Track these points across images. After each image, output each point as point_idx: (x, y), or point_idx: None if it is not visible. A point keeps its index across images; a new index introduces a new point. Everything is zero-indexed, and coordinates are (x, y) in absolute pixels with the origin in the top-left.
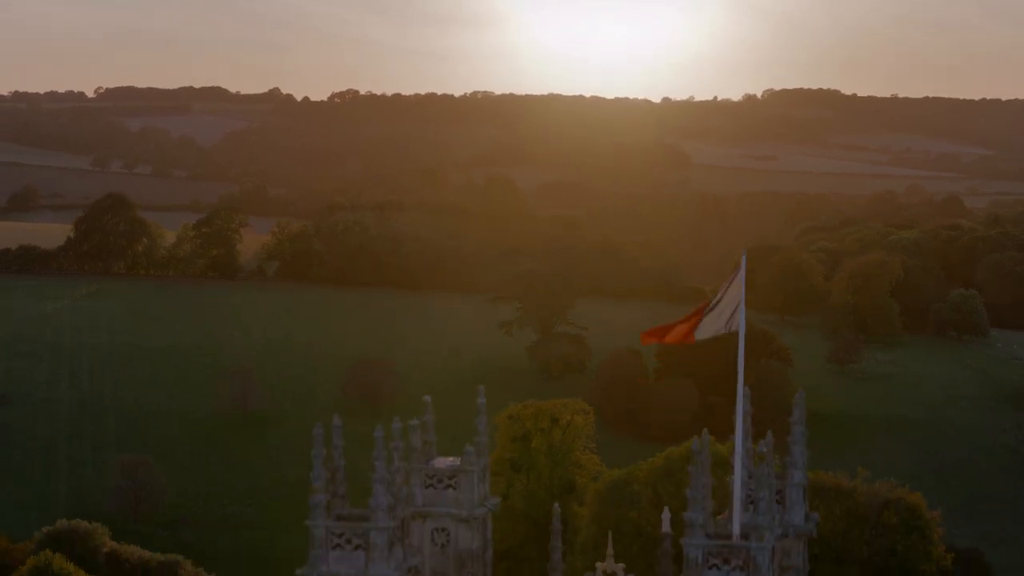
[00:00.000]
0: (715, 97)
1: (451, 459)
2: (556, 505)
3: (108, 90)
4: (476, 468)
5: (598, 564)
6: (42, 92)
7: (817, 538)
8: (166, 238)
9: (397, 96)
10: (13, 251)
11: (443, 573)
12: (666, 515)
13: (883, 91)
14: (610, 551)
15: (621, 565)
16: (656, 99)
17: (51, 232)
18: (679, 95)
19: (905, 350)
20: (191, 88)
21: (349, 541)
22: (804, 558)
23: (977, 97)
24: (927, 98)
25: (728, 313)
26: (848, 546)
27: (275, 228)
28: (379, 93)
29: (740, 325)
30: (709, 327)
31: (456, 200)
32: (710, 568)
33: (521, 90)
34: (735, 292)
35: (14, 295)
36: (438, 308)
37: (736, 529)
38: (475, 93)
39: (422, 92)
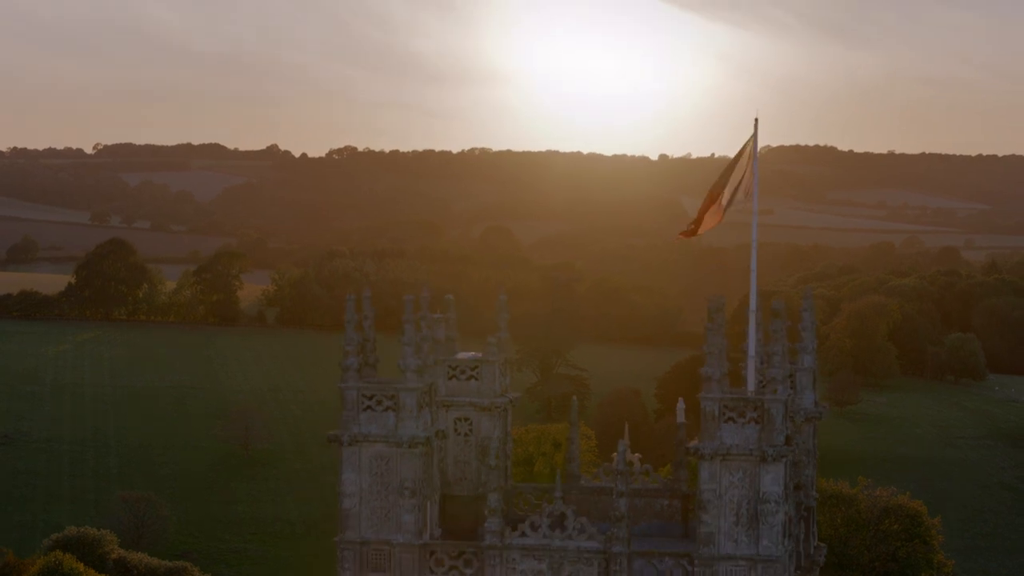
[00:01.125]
0: (712, 154)
1: (472, 353)
2: (574, 398)
3: (107, 147)
4: (498, 360)
5: (616, 453)
6: (41, 148)
7: (818, 543)
8: (166, 285)
9: (395, 152)
10: (14, 296)
11: (466, 461)
12: (680, 406)
13: (879, 147)
14: (625, 440)
15: (637, 455)
16: (654, 156)
17: (51, 282)
18: (676, 152)
19: (903, 392)
20: (189, 145)
21: (379, 403)
22: (814, 443)
23: (973, 153)
24: (923, 154)
25: (743, 184)
26: (850, 552)
27: (275, 274)
28: (377, 150)
29: (754, 188)
30: (727, 199)
31: (455, 250)
32: (726, 421)
33: (519, 147)
34: (744, 164)
35: (15, 339)
36: None
37: (751, 385)
38: (473, 149)
39: (420, 149)
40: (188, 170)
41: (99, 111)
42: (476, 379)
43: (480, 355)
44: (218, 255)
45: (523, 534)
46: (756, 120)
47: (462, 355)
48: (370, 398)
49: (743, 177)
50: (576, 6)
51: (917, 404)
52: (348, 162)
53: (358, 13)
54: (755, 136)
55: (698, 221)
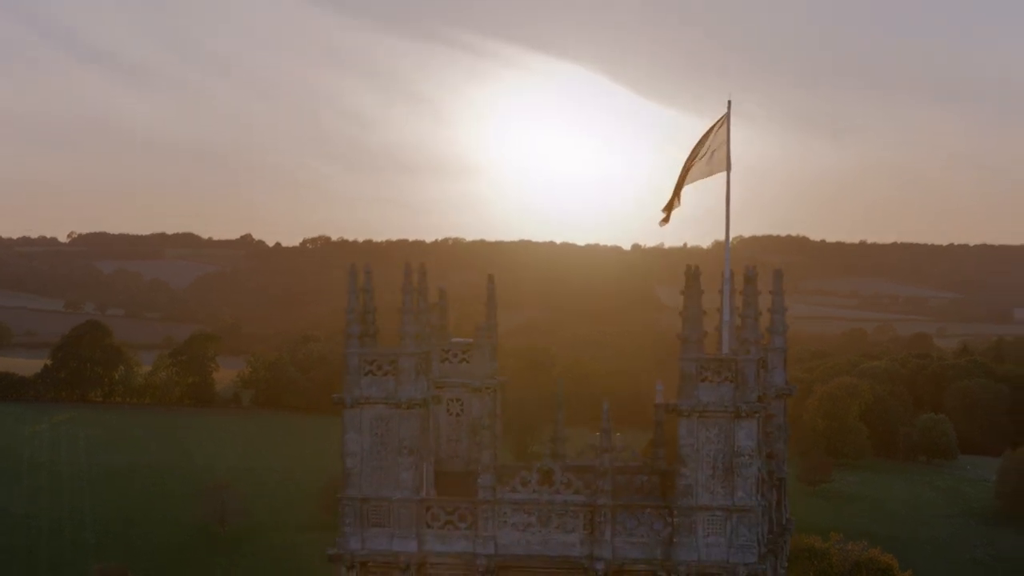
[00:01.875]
0: (685, 244)
1: (463, 339)
2: (560, 380)
3: (81, 235)
4: (488, 344)
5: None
6: (15, 237)
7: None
8: (142, 368)
9: (369, 242)
10: None
11: (457, 440)
12: (659, 387)
13: (851, 237)
14: (606, 407)
15: (619, 434)
16: (626, 246)
17: (26, 366)
18: (649, 242)
19: (875, 472)
20: (163, 234)
21: (380, 367)
22: (785, 418)
23: (944, 242)
24: (895, 243)
25: (715, 158)
26: None
27: (250, 358)
28: (351, 239)
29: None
30: (696, 175)
31: None
32: (702, 381)
33: (492, 237)
34: (717, 139)
35: None
36: None
37: (725, 347)
38: (446, 239)
39: (393, 238)
40: (162, 259)
41: (73, 200)
42: (467, 362)
43: (471, 340)
44: (193, 337)
45: (514, 489)
46: (729, 102)
47: (454, 340)
48: (371, 363)
49: (708, 143)
50: (547, 95)
51: (889, 484)
52: (322, 251)
53: (331, 107)
54: (727, 115)
55: (670, 206)
